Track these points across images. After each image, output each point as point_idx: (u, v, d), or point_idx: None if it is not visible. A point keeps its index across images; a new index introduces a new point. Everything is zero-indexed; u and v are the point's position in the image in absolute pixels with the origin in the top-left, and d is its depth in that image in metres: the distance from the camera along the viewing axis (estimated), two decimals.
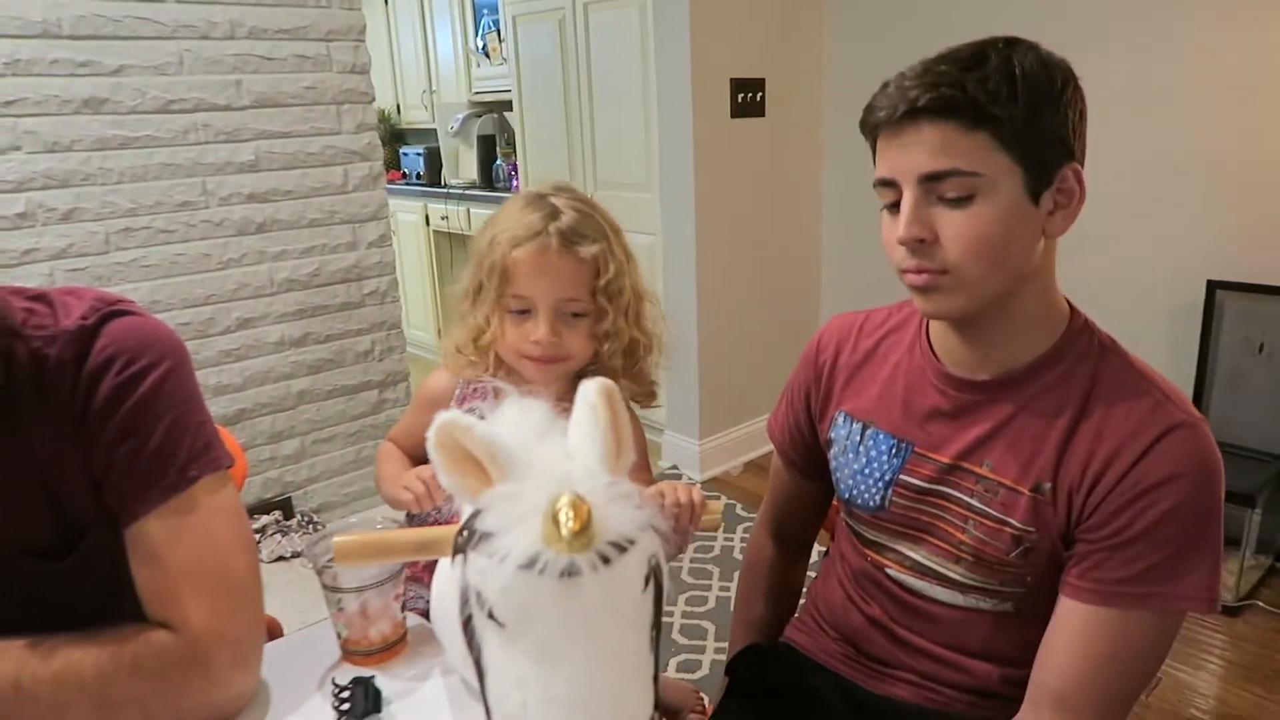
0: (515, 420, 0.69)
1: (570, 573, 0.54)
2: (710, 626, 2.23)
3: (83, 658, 0.74)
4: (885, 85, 0.83)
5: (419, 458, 1.21)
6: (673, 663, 2.11)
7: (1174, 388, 0.85)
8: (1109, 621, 0.80)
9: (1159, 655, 0.82)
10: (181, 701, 0.78)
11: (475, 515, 0.61)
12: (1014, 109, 0.77)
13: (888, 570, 0.98)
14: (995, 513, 0.88)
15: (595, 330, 1.10)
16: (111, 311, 0.85)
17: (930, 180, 0.79)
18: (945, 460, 0.92)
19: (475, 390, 1.16)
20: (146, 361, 0.84)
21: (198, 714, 0.79)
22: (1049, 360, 0.87)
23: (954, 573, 0.92)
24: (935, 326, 0.95)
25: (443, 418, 0.60)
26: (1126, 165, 2.48)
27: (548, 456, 0.61)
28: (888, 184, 0.84)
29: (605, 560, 0.55)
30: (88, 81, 2.05)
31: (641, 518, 0.58)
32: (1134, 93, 2.44)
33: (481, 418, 0.62)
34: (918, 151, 0.79)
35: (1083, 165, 0.84)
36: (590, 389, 0.63)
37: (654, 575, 0.59)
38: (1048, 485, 0.85)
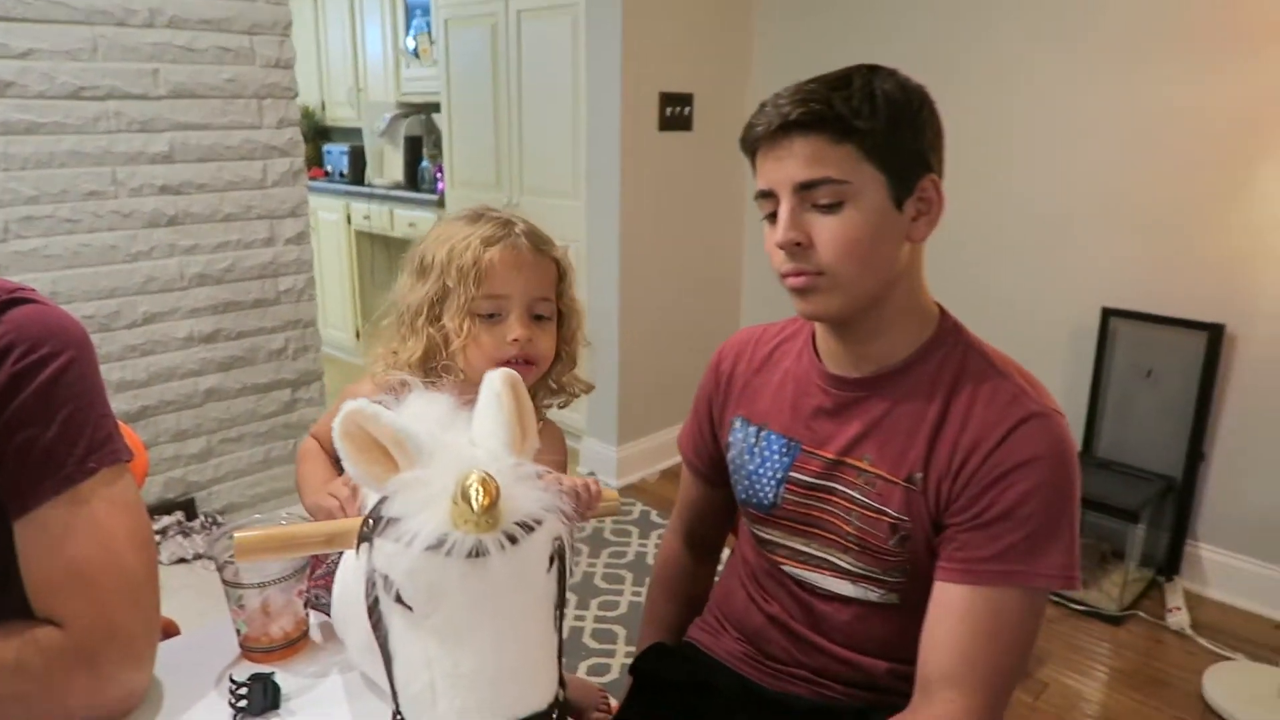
0: (420, 411, 0.70)
1: (478, 553, 0.56)
2: (621, 631, 2.25)
3: None
4: (762, 105, 0.90)
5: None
6: (583, 665, 2.12)
7: (1035, 381, 0.93)
8: (980, 600, 0.85)
9: (1030, 632, 0.87)
10: (68, 700, 0.76)
11: (382, 502, 0.62)
12: (876, 123, 0.86)
13: (783, 566, 1.02)
14: (874, 504, 0.94)
15: (558, 333, 1.10)
16: (11, 299, 0.83)
17: (804, 189, 0.87)
18: (830, 456, 0.97)
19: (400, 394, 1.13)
20: (47, 350, 0.81)
21: (86, 713, 0.77)
22: (919, 358, 0.95)
23: (843, 562, 0.97)
24: (819, 332, 1.01)
25: (348, 406, 0.61)
26: (1032, 197, 2.61)
27: (453, 443, 0.63)
28: (767, 195, 0.91)
29: (512, 540, 0.57)
30: None
31: (547, 499, 0.60)
32: (1040, 125, 2.57)
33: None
34: (791, 163, 0.87)
35: (941, 178, 0.92)
36: (495, 378, 0.64)
37: (558, 555, 0.61)
38: (919, 475, 0.91)
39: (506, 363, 1.03)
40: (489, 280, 1.04)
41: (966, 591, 0.86)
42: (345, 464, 0.61)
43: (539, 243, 1.07)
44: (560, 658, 0.63)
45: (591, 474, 3.05)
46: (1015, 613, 0.86)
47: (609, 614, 2.33)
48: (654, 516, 2.90)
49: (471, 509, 0.54)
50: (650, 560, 2.60)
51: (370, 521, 0.61)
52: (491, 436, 0.63)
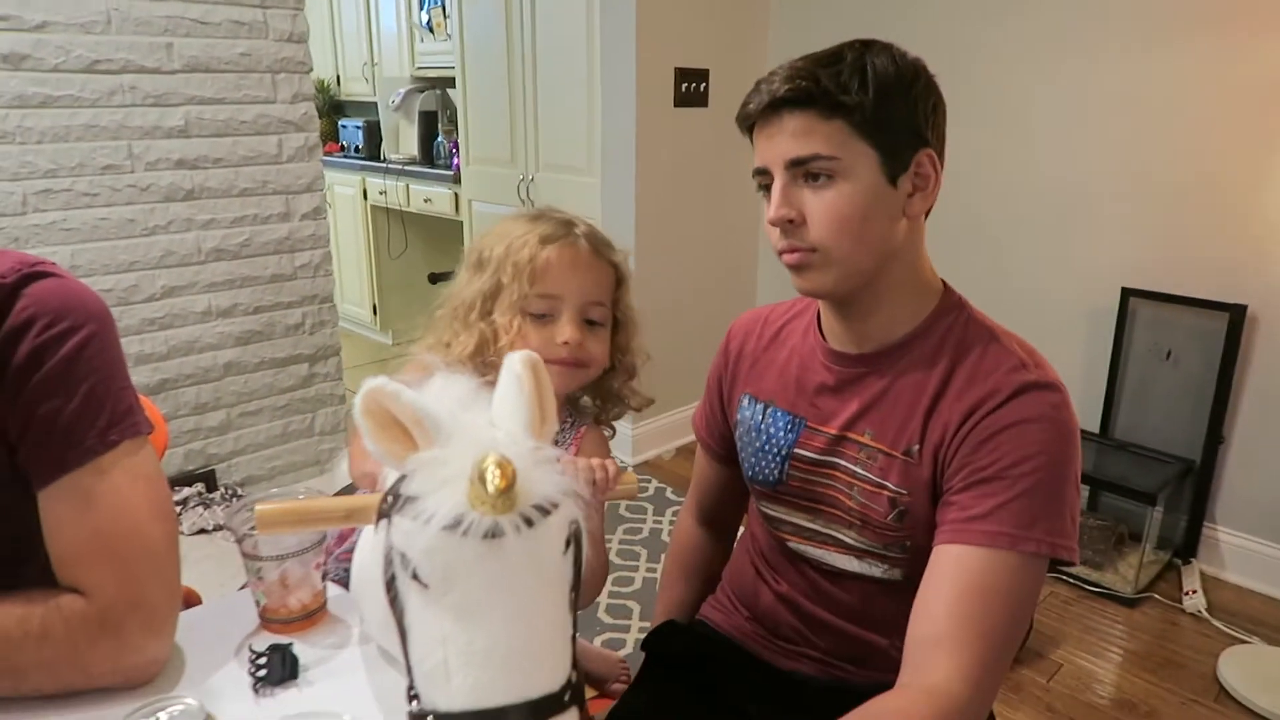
0: (441, 391, 0.70)
1: (494, 534, 0.56)
2: (636, 606, 2.27)
3: None
4: (757, 84, 0.91)
5: None
6: (597, 640, 2.13)
7: (1039, 356, 0.92)
8: (970, 560, 0.83)
9: (1021, 601, 0.84)
10: (92, 668, 0.77)
11: (401, 480, 0.62)
12: (865, 98, 0.85)
13: (789, 543, 1.03)
14: (875, 478, 0.94)
15: (613, 342, 1.09)
16: (34, 272, 0.83)
17: (795, 165, 0.88)
18: (833, 431, 0.98)
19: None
20: (68, 324, 0.82)
21: (109, 680, 0.79)
22: (920, 334, 0.94)
23: (847, 537, 0.98)
24: (823, 309, 1.02)
25: (369, 384, 0.61)
26: (1052, 175, 2.58)
27: (472, 424, 0.63)
28: (762, 172, 0.92)
29: (529, 522, 0.57)
30: (7, 37, 1.97)
31: (564, 483, 0.60)
32: (1059, 105, 2.53)
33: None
34: (782, 139, 0.88)
35: (940, 153, 0.91)
36: (515, 359, 0.64)
37: (574, 539, 0.61)
38: (916, 447, 0.91)
39: (554, 362, 1.01)
40: (543, 279, 1.02)
41: (956, 551, 0.84)
42: (365, 440, 0.61)
43: (598, 245, 1.06)
44: (575, 640, 0.63)
45: (624, 465, 3.07)
46: (1005, 577, 0.83)
47: (624, 589, 2.35)
48: (669, 494, 2.91)
49: (486, 491, 0.54)
50: (665, 537, 2.61)
51: (389, 498, 0.61)
52: (511, 418, 0.63)
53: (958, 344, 0.93)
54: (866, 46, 0.89)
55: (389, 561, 0.61)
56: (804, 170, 0.88)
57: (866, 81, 0.85)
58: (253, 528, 0.87)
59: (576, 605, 0.63)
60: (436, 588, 0.58)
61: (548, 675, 0.60)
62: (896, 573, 0.96)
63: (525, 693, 0.58)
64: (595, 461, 0.84)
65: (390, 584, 0.61)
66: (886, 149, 0.87)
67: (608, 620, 2.22)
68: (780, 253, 0.92)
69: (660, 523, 2.72)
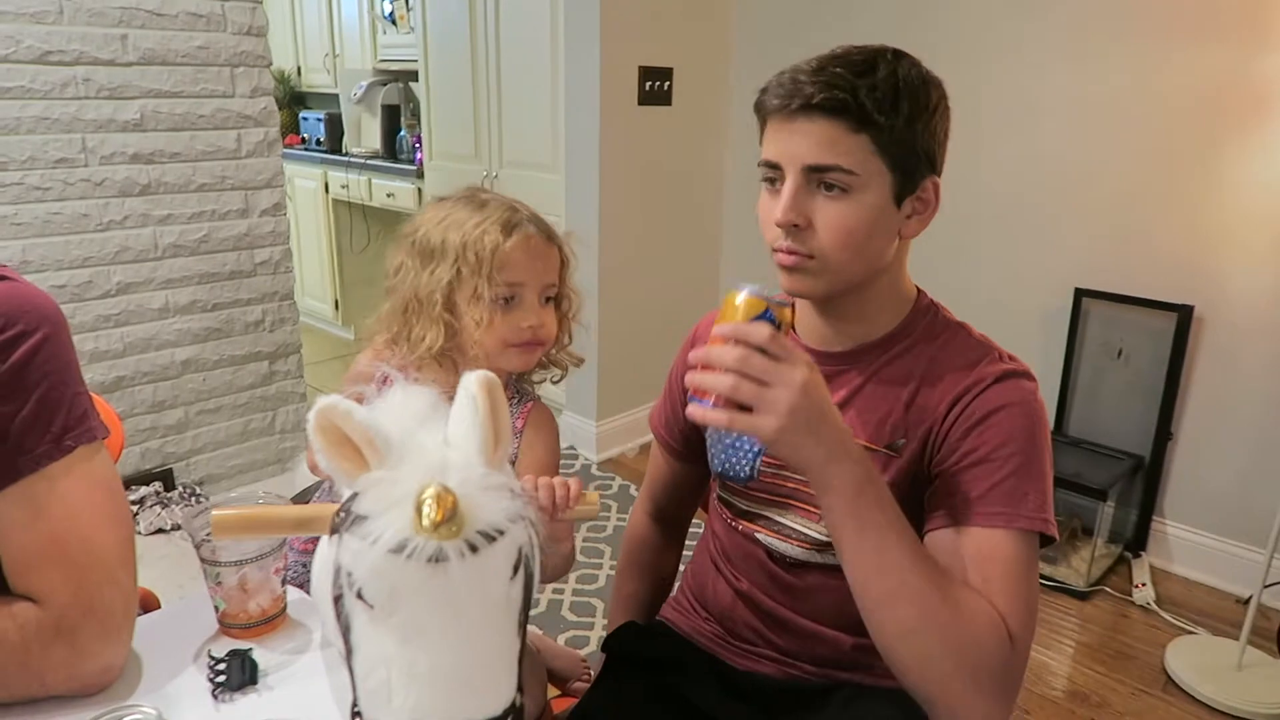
0: (400, 405, 0.71)
1: (438, 559, 0.57)
2: (599, 604, 2.28)
3: None
4: (782, 73, 0.89)
5: None
6: (561, 638, 2.14)
7: (1011, 354, 0.96)
8: (968, 542, 0.86)
9: (1025, 578, 0.86)
10: (47, 675, 0.77)
11: (353, 498, 0.62)
12: (895, 119, 0.85)
13: (757, 535, 1.04)
14: None
15: (560, 314, 1.15)
16: None
17: (812, 171, 0.87)
18: None
19: (404, 368, 1.15)
20: (20, 328, 0.81)
21: (65, 688, 0.78)
22: (897, 335, 0.98)
23: (813, 531, 0.99)
24: (801, 309, 1.03)
25: (323, 402, 0.61)
26: (1005, 176, 2.63)
27: (425, 444, 0.63)
28: (773, 166, 0.91)
29: (473, 548, 0.58)
30: None
31: (513, 508, 0.60)
32: (1012, 107, 2.57)
33: (361, 401, 0.64)
34: (805, 142, 0.87)
35: (939, 178, 0.94)
36: (471, 380, 0.64)
37: (524, 564, 0.61)
38: (900, 441, 0.94)
39: (519, 345, 1.08)
40: (509, 268, 1.06)
41: (952, 535, 0.87)
42: (318, 457, 0.61)
43: (547, 231, 1.11)
44: (521, 663, 0.64)
45: (588, 462, 3.07)
46: (1006, 554, 0.85)
47: (587, 587, 2.36)
48: (632, 491, 2.92)
49: (422, 524, 0.55)
50: (629, 518, 2.63)
51: (341, 514, 0.62)
52: (465, 439, 0.63)
53: (934, 340, 0.96)
54: (898, 59, 0.88)
55: (336, 578, 0.61)
56: (821, 179, 0.88)
57: (899, 103, 0.86)
58: (210, 533, 0.86)
59: (525, 628, 0.64)
60: (381, 608, 0.59)
61: (490, 699, 0.61)
62: None
63: (467, 715, 0.59)
64: (557, 481, 0.85)
65: (338, 600, 0.61)
66: (902, 171, 0.88)
67: (571, 618, 2.23)
68: (776, 251, 0.92)
69: (624, 520, 2.73)
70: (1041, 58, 2.49)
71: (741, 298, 0.83)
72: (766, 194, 0.93)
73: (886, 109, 0.85)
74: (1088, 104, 2.43)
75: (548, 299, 1.11)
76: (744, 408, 0.78)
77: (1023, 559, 0.86)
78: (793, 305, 0.88)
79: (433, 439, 0.65)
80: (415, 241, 1.10)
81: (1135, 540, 2.54)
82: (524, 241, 1.07)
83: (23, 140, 2.06)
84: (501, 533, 0.60)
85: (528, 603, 0.64)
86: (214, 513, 0.70)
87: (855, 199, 0.87)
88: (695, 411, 0.81)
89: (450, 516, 0.56)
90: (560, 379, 1.22)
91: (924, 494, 0.93)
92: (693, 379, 0.81)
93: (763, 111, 0.92)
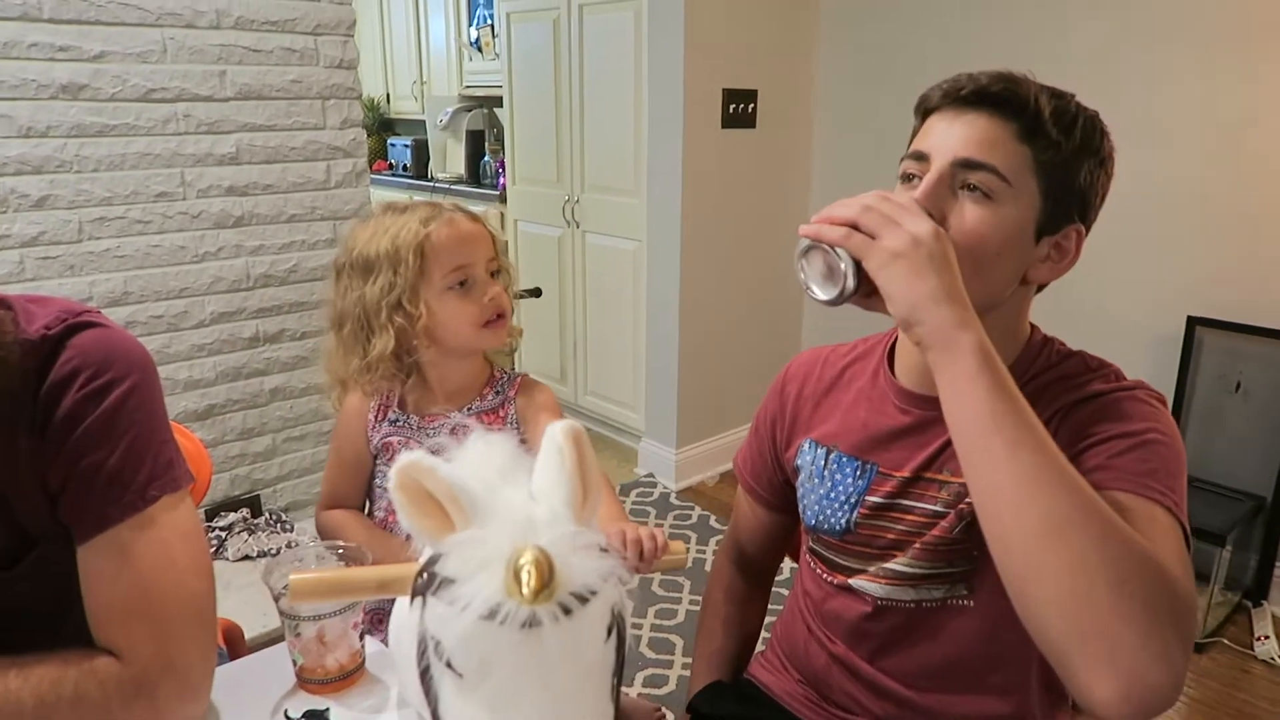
0: (480, 458, 0.68)
1: (531, 624, 0.53)
2: (679, 641, 2.22)
3: (22, 685, 0.72)
4: (959, 75, 0.85)
5: (353, 496, 1.28)
6: (639, 676, 2.10)
7: (1139, 380, 0.88)
8: (1126, 501, 0.74)
9: (1184, 557, 0.72)
10: None
11: (436, 559, 0.59)
12: (1066, 142, 0.81)
13: (851, 583, 0.98)
14: (947, 510, 0.90)
15: (504, 288, 1.21)
16: (78, 323, 0.83)
17: (964, 167, 0.81)
18: (906, 475, 0.93)
19: (390, 392, 1.23)
20: (111, 376, 0.82)
21: None
22: (1015, 371, 0.87)
23: (919, 568, 0.93)
24: (901, 346, 0.97)
25: (405, 459, 0.58)
26: (1117, 198, 2.48)
27: (511, 500, 0.60)
28: (919, 158, 0.85)
29: (567, 611, 0.54)
30: (66, 67, 2.00)
31: (605, 567, 0.57)
32: (1125, 124, 2.43)
33: (435, 452, 0.61)
34: (965, 134, 0.81)
35: (1087, 234, 0.87)
36: (558, 431, 0.61)
37: (617, 625, 0.58)
38: None
39: (487, 322, 1.15)
40: (449, 253, 1.13)
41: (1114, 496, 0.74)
42: (400, 516, 0.58)
43: (470, 214, 1.19)
44: None
45: (667, 490, 3.04)
46: (1144, 512, 0.72)
47: (666, 623, 2.31)
48: (713, 522, 2.86)
49: (521, 592, 0.52)
50: (709, 567, 2.57)
51: (424, 576, 0.59)
52: (552, 493, 0.60)
53: (1049, 369, 0.89)
54: (1076, 99, 0.85)
55: (423, 649, 0.58)
56: (967, 178, 0.81)
57: (1074, 129, 0.81)
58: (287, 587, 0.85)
59: (618, 691, 0.60)
60: (471, 677, 0.55)
61: None
62: (961, 589, 0.91)
63: None
64: (644, 532, 0.81)
65: (424, 673, 0.58)
66: (1053, 201, 0.83)
67: (650, 655, 2.18)
68: None
69: (704, 552, 2.68)
70: (1152, 75, 2.36)
71: None
72: (900, 188, 0.87)
73: (1062, 127, 0.81)
74: (1204, 121, 2.29)
75: (492, 274, 1.18)
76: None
77: (1166, 523, 0.73)
78: None
79: (518, 494, 0.62)
80: (352, 262, 1.17)
81: (1255, 588, 2.36)
82: (450, 226, 1.14)
83: (127, 175, 2.13)
84: (594, 593, 0.56)
85: (621, 665, 0.60)
86: (292, 578, 0.68)
87: (997, 209, 0.81)
88: (808, 229, 0.76)
89: (547, 583, 0.53)
90: (510, 352, 1.31)
91: None
92: (817, 216, 0.77)
93: (926, 105, 0.87)
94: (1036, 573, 0.65)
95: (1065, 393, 0.85)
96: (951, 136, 0.82)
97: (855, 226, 0.74)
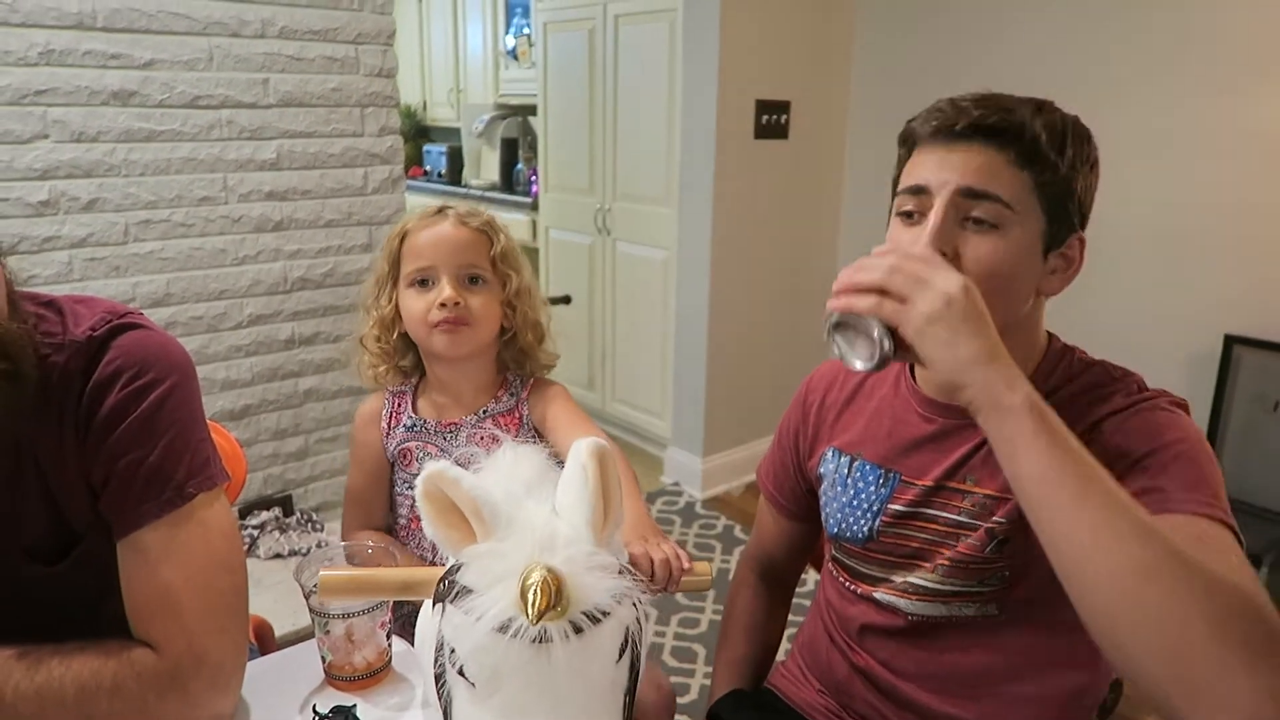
0: (508, 470, 0.69)
1: (542, 640, 0.55)
2: (701, 650, 2.23)
3: (65, 674, 0.75)
4: (937, 102, 0.86)
5: (376, 505, 1.28)
6: None
7: (1161, 389, 0.87)
8: (1180, 522, 0.72)
9: (1239, 556, 0.71)
10: None
11: (457, 568, 0.61)
12: (1062, 162, 0.82)
13: (876, 595, 0.98)
14: (974, 521, 0.90)
15: (501, 298, 1.20)
16: (121, 325, 0.86)
17: (968, 197, 0.81)
18: (929, 484, 0.94)
19: (401, 397, 1.26)
20: (152, 376, 0.85)
21: None
22: (1034, 380, 0.87)
23: (935, 583, 0.93)
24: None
25: (431, 468, 0.60)
26: (1151, 212, 2.47)
27: (533, 515, 0.61)
28: (918, 192, 0.84)
29: (577, 630, 0.55)
30: (118, 74, 2.06)
31: (619, 588, 0.58)
32: (1160, 140, 2.42)
33: (462, 464, 0.62)
34: (964, 165, 0.82)
35: (1084, 236, 0.89)
36: (583, 448, 0.62)
37: (630, 645, 0.59)
38: None
39: (438, 324, 1.14)
40: (415, 253, 1.16)
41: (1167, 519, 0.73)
42: (425, 525, 0.60)
43: (464, 216, 1.19)
44: None
45: (692, 500, 3.04)
46: (1200, 530, 0.71)
47: (689, 631, 2.31)
48: (737, 531, 2.86)
49: (527, 612, 0.53)
50: (732, 577, 2.57)
51: (445, 583, 0.61)
52: (574, 510, 0.61)
53: (1071, 381, 0.89)
54: (1059, 109, 0.86)
55: (439, 654, 0.60)
56: (971, 208, 0.82)
57: (1067, 146, 0.82)
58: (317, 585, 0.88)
59: (631, 709, 0.61)
60: (483, 688, 0.57)
61: None
62: (991, 607, 0.91)
63: None
64: (670, 550, 0.82)
65: (439, 676, 0.60)
66: (1055, 219, 0.84)
67: (672, 663, 2.18)
68: None
69: (728, 562, 2.68)
70: (1189, 90, 2.34)
71: None
72: (900, 225, 0.86)
73: (1056, 148, 0.81)
74: (1241, 136, 2.26)
75: (471, 279, 1.16)
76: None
77: (1227, 540, 0.72)
78: None
79: (541, 509, 0.64)
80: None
81: None
82: (427, 227, 1.17)
83: (172, 180, 2.19)
84: (607, 614, 0.57)
85: (634, 685, 0.62)
86: (321, 574, 0.70)
87: (1005, 236, 0.81)
88: (837, 303, 0.75)
89: (553, 604, 0.54)
90: (545, 373, 1.28)
91: None
92: (843, 275, 0.76)
93: (914, 138, 0.87)
94: (1131, 627, 0.62)
95: (1092, 406, 0.85)
96: (950, 169, 0.82)
97: (883, 290, 0.73)
